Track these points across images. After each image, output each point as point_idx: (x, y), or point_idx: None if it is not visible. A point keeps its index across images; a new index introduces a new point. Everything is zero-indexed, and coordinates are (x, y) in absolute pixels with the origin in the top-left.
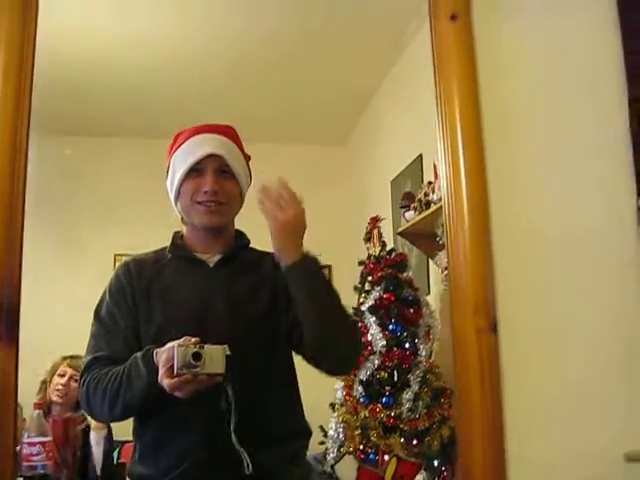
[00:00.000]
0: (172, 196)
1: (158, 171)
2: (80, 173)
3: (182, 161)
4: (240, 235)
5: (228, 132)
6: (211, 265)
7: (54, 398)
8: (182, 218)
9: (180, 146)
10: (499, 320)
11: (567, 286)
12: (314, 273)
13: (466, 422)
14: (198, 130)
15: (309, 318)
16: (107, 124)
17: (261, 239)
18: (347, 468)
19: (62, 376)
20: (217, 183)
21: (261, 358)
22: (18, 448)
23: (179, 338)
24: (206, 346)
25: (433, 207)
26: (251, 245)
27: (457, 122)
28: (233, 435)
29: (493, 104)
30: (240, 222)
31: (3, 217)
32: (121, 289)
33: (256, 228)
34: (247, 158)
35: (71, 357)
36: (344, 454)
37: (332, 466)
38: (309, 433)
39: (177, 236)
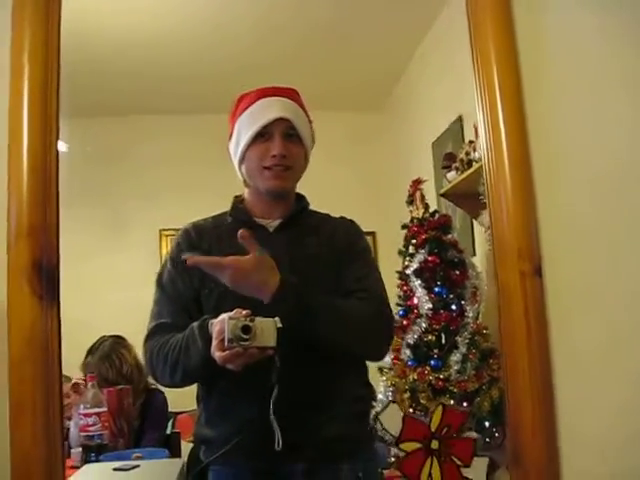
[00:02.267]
0: (236, 160)
1: (201, 145)
2: (121, 152)
3: (249, 124)
4: (300, 198)
5: (293, 95)
6: (271, 230)
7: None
8: (244, 181)
9: (246, 109)
10: (544, 264)
11: (614, 228)
12: (296, 307)
13: (512, 371)
14: (264, 93)
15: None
16: (146, 102)
17: (322, 201)
18: (392, 418)
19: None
20: (285, 147)
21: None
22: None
23: (239, 305)
24: (257, 319)
25: (475, 166)
26: (312, 208)
27: (495, 78)
28: (271, 409)
29: (532, 57)
30: (302, 183)
31: (37, 183)
32: (181, 255)
33: (318, 190)
34: (310, 122)
35: (89, 353)
36: (388, 403)
37: (376, 416)
38: (370, 398)
39: (237, 200)
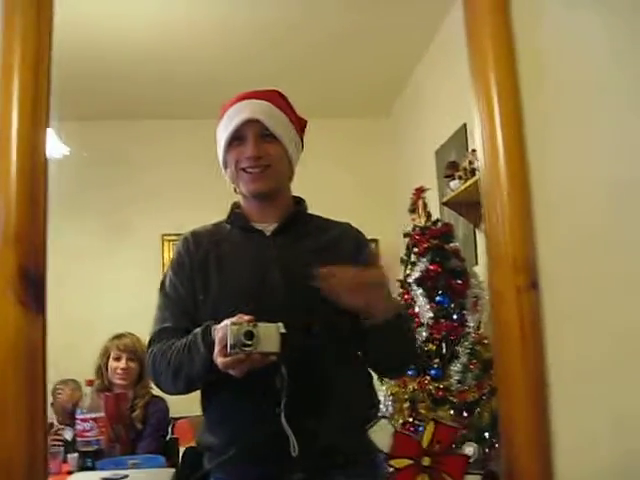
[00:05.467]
0: (221, 166)
1: (203, 150)
2: (125, 156)
3: (224, 130)
4: (298, 202)
5: (271, 96)
6: (267, 234)
7: (116, 381)
8: (235, 189)
9: (222, 116)
10: (540, 278)
11: (611, 239)
12: (397, 328)
13: (507, 386)
14: (240, 97)
15: (379, 351)
16: (151, 106)
17: (325, 207)
18: (382, 434)
19: (118, 359)
20: (259, 148)
21: (320, 328)
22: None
23: (235, 309)
24: (259, 324)
25: (478, 175)
26: (313, 212)
27: (492, 86)
28: (283, 416)
29: (531, 64)
30: (300, 189)
31: (25, 190)
32: (181, 262)
33: (320, 195)
34: (299, 122)
35: (117, 337)
36: (378, 419)
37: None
38: (375, 405)
39: (235, 205)
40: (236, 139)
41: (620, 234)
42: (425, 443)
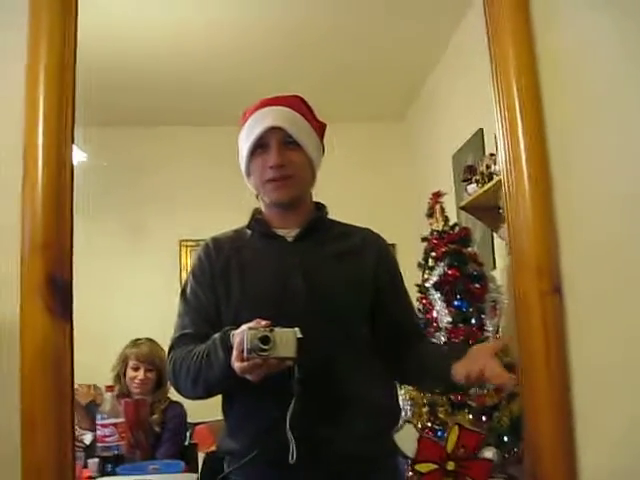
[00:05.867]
0: (244, 175)
1: (221, 157)
2: (144, 163)
3: (246, 138)
4: (319, 207)
5: (292, 102)
6: (289, 240)
7: (134, 389)
8: (257, 195)
9: (245, 123)
10: (564, 283)
11: (635, 244)
12: None
13: (531, 390)
14: (261, 104)
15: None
16: (169, 113)
17: (342, 212)
18: (407, 439)
19: (136, 369)
20: (282, 156)
21: (338, 334)
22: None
23: (256, 315)
24: (276, 329)
25: (496, 179)
26: (333, 217)
27: (514, 92)
28: (288, 422)
29: (552, 69)
30: (322, 195)
31: (51, 199)
32: (202, 268)
33: (338, 201)
34: (320, 126)
35: (136, 345)
36: (403, 423)
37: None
38: (393, 412)
39: (256, 212)
40: (259, 147)
41: None
42: (449, 448)
